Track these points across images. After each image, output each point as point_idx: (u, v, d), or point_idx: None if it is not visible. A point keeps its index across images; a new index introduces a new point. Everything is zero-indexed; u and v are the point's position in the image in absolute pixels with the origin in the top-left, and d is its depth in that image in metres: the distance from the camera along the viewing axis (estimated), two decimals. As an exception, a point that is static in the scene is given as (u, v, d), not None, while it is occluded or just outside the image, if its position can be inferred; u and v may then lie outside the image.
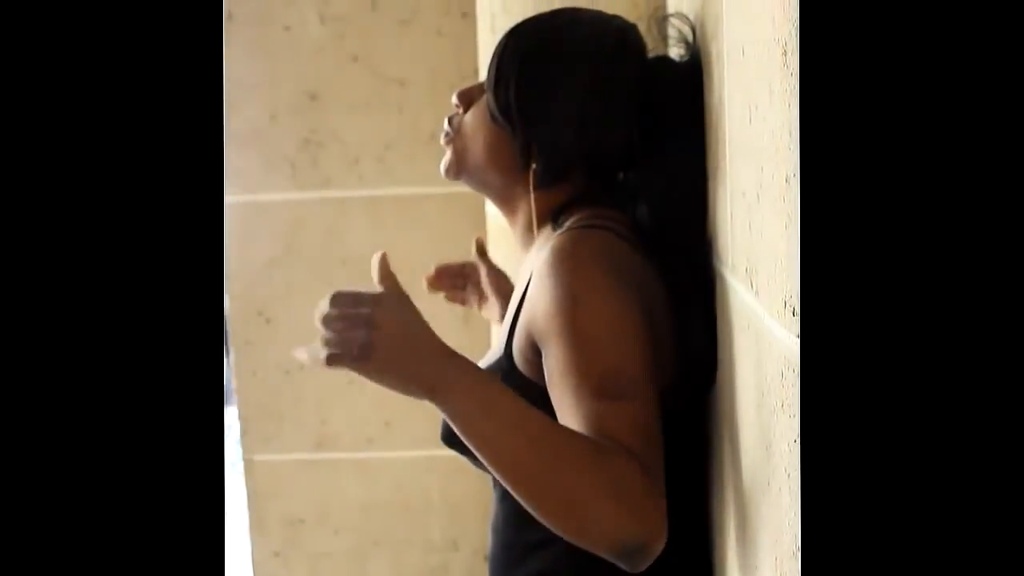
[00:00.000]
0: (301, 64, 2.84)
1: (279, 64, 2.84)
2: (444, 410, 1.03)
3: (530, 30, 1.36)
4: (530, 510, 1.04)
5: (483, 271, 1.72)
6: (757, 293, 0.96)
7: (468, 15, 2.71)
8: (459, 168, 1.40)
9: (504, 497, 1.36)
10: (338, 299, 1.03)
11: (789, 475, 0.83)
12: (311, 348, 1.03)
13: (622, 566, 1.05)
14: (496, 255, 1.89)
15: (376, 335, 1.01)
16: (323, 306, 1.03)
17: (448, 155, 1.41)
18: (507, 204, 1.41)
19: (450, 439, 1.31)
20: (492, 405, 1.02)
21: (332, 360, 1.01)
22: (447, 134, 1.42)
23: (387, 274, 1.08)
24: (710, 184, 1.31)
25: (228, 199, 2.85)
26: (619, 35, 1.36)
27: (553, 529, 1.04)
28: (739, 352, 1.08)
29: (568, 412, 1.10)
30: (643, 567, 1.04)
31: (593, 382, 1.09)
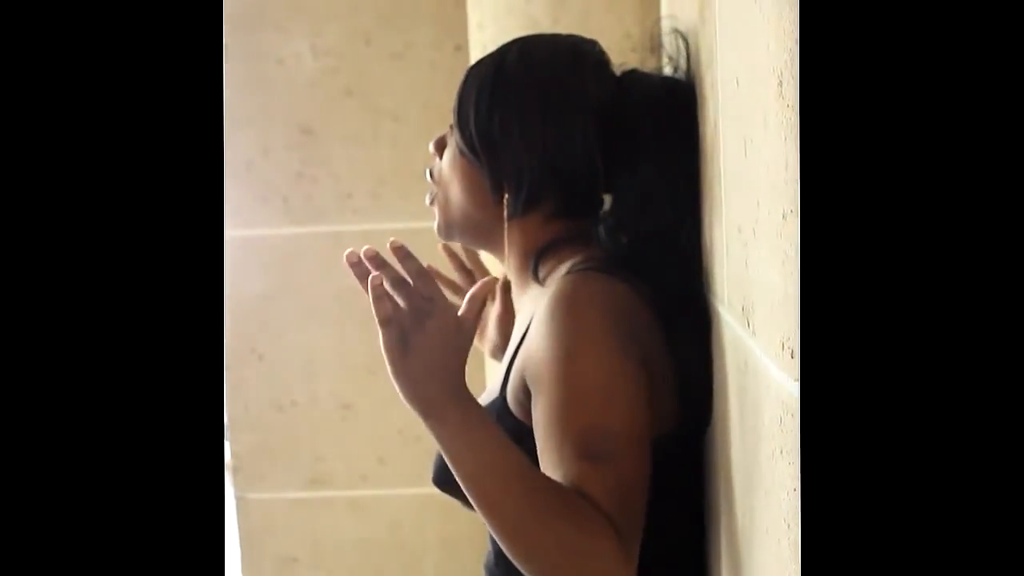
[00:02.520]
0: (294, 98, 2.82)
1: (272, 98, 2.82)
2: (434, 436, 1.07)
3: (486, 62, 1.37)
4: (504, 551, 1.07)
5: (497, 306, 1.70)
6: (754, 333, 0.93)
7: (461, 48, 2.69)
8: (446, 223, 1.40)
9: (493, 540, 1.34)
10: (423, 278, 1.05)
11: (788, 525, 0.80)
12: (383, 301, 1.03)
13: None
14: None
15: (417, 338, 1.04)
16: (412, 268, 1.05)
17: (437, 216, 1.41)
18: (496, 245, 1.39)
19: (441, 481, 1.28)
20: (479, 446, 1.05)
21: (383, 320, 1.03)
22: (431, 193, 1.42)
23: (478, 297, 1.09)
24: (705, 218, 1.27)
25: (220, 234, 2.82)
26: (573, 53, 1.35)
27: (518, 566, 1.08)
28: (735, 393, 1.04)
29: (550, 466, 1.10)
30: None
31: (576, 440, 1.09)
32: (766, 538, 0.89)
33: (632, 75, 1.37)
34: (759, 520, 0.92)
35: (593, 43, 1.38)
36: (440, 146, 1.41)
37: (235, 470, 2.96)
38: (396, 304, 1.04)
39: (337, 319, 2.85)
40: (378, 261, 1.03)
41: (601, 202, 1.35)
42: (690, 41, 1.36)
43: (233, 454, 2.96)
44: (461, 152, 1.35)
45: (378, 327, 1.04)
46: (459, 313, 1.07)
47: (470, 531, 2.82)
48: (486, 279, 1.14)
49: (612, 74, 1.36)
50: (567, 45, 1.37)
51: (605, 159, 1.31)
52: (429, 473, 1.33)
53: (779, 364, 0.81)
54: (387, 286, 1.03)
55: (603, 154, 1.31)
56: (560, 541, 1.03)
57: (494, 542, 1.35)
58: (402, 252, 1.05)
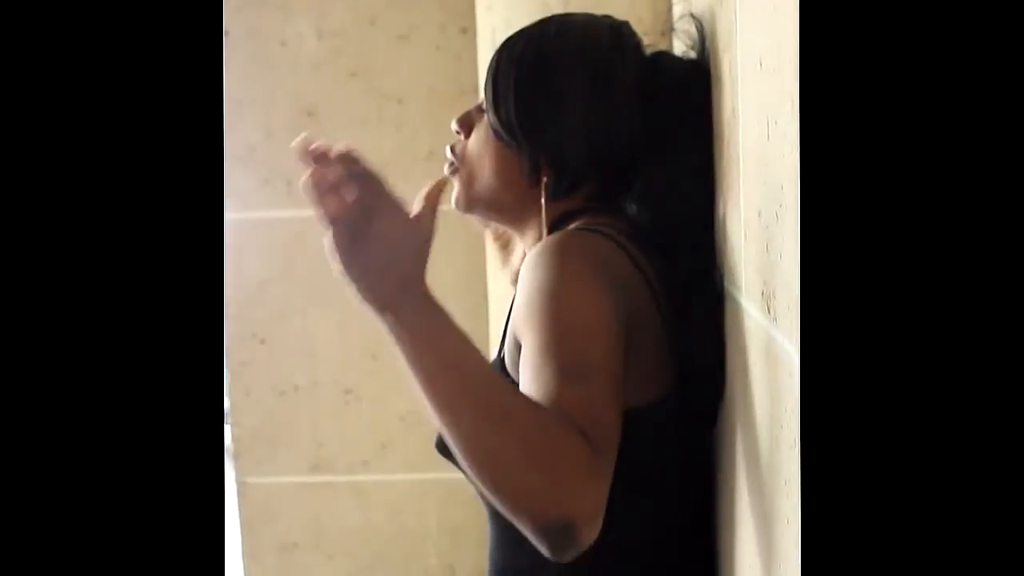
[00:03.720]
0: (298, 80, 2.79)
1: (275, 80, 2.80)
2: (390, 332, 0.99)
3: (521, 41, 1.33)
4: (463, 465, 0.99)
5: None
6: (775, 319, 0.91)
7: (467, 31, 2.67)
8: (469, 198, 1.36)
9: (495, 520, 1.32)
10: (373, 179, 0.98)
11: (812, 514, 0.78)
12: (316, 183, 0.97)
13: (545, 551, 0.98)
14: (494, 283, 1.84)
15: (367, 234, 0.97)
16: (360, 170, 0.98)
17: (456, 187, 1.37)
18: (519, 222, 1.37)
19: (444, 448, 1.26)
20: (439, 341, 0.98)
21: (332, 216, 0.96)
22: (451, 164, 1.37)
23: (431, 195, 1.03)
24: (719, 201, 1.26)
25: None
26: (613, 33, 1.32)
27: (483, 490, 0.99)
28: (755, 379, 1.02)
29: (528, 388, 1.06)
30: (567, 556, 0.98)
31: (557, 363, 1.05)
32: (787, 528, 0.88)
33: (661, 57, 1.35)
34: (779, 509, 0.91)
35: (627, 23, 1.35)
36: (465, 124, 1.37)
37: (236, 455, 2.94)
38: (343, 200, 0.97)
39: (339, 303, 2.81)
40: (326, 158, 0.97)
41: (633, 183, 1.33)
42: (706, 22, 1.34)
43: (234, 439, 2.94)
44: (496, 133, 1.31)
45: (325, 226, 0.97)
46: (412, 214, 1.02)
47: (473, 517, 2.81)
48: (438, 180, 1.06)
49: (645, 56, 1.34)
50: (606, 26, 1.33)
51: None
52: (431, 458, 1.30)
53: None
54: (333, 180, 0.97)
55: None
56: (524, 440, 0.95)
57: (492, 527, 1.34)
58: (349, 156, 0.97)
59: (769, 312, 0.93)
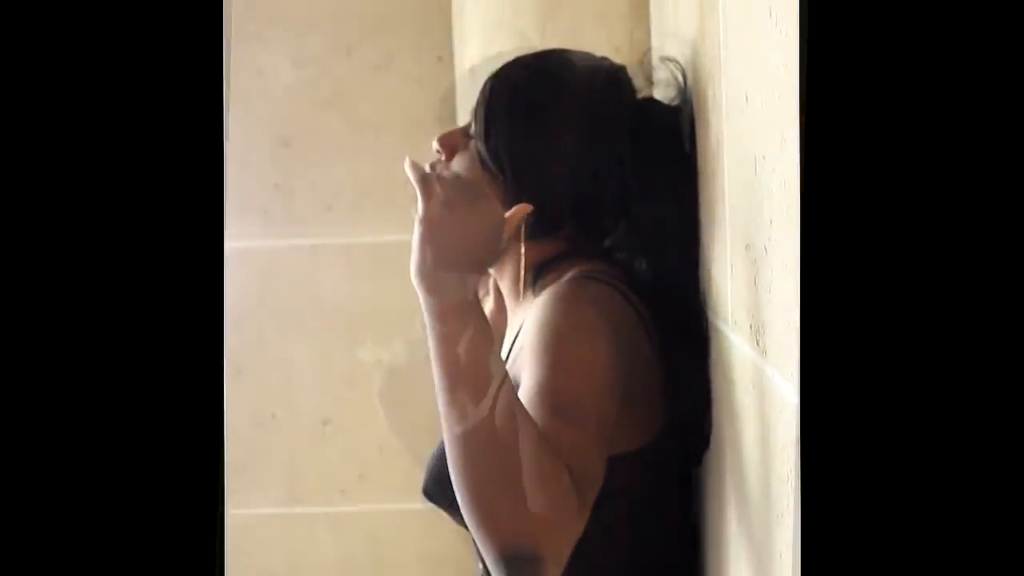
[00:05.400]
0: (273, 109, 2.78)
1: (251, 110, 2.79)
2: (431, 312, 1.02)
3: (519, 73, 1.31)
4: (452, 471, 0.98)
5: (490, 303, 1.64)
6: (764, 353, 0.91)
7: (444, 59, 2.67)
8: None
9: (481, 557, 1.30)
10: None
11: (807, 551, 0.78)
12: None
13: None
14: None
15: (458, 212, 1.02)
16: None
17: None
18: None
19: (432, 493, 1.25)
20: (473, 335, 1.00)
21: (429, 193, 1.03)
22: None
23: (516, 215, 1.10)
24: (704, 235, 1.26)
25: (198, 247, 2.78)
26: (611, 79, 1.31)
27: (461, 500, 0.98)
28: (744, 415, 1.02)
29: None
30: None
31: (550, 400, 1.05)
32: (779, 563, 0.88)
33: (651, 105, 1.34)
34: (773, 544, 0.90)
35: (623, 68, 1.34)
36: (448, 145, 1.34)
37: (212, 486, 2.91)
38: (442, 180, 1.03)
39: (316, 332, 2.81)
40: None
41: (615, 228, 1.33)
42: (688, 56, 1.34)
43: (210, 470, 2.91)
44: (483, 163, 1.30)
45: (419, 202, 1.03)
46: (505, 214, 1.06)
47: (454, 548, 2.79)
48: (521, 205, 1.12)
49: (637, 103, 1.33)
50: (604, 69, 1.32)
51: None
52: (410, 488, 1.29)
53: (795, 385, 0.79)
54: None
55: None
56: (519, 461, 0.95)
57: (477, 564, 1.33)
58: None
59: (758, 345, 0.93)
